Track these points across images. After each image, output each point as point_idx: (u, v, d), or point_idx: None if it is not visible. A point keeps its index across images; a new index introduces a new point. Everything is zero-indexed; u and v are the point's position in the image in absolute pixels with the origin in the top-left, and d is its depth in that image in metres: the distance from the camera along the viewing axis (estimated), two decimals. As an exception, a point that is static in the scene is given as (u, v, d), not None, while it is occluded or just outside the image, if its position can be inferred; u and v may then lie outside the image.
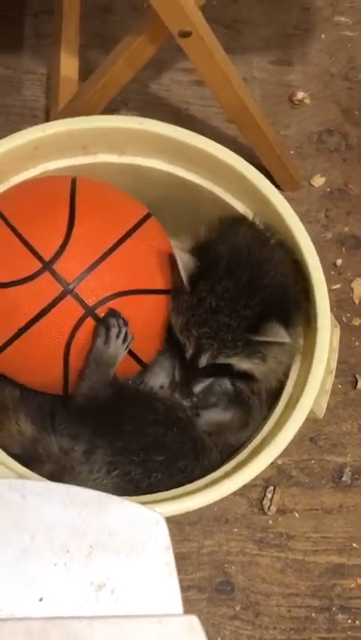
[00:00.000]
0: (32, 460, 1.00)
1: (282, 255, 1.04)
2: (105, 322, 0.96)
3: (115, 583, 0.66)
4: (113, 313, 0.96)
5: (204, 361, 1.00)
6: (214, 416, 1.08)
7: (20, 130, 1.07)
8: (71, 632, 0.62)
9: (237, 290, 0.97)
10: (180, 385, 1.05)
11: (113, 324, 0.96)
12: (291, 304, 1.01)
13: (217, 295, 0.97)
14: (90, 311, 0.96)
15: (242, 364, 1.00)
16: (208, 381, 1.05)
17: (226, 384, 1.07)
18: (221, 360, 0.99)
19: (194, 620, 0.66)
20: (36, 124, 1.10)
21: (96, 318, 0.96)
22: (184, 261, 0.97)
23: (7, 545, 0.65)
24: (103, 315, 0.96)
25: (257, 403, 1.07)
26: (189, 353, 1.00)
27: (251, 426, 1.07)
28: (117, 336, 0.96)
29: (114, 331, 0.96)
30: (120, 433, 1.01)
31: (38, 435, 1.04)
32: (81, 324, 0.96)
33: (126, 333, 0.97)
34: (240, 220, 1.09)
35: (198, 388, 1.04)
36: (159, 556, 0.68)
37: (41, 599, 0.65)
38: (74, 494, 0.68)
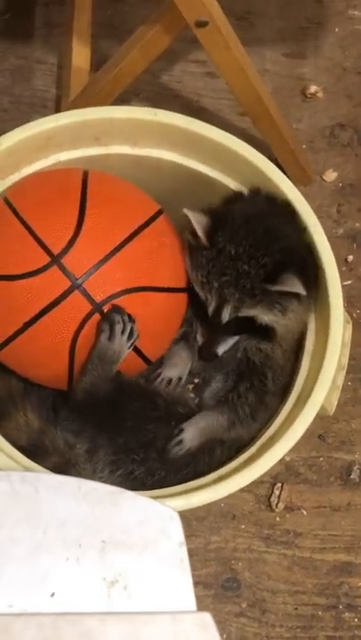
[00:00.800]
0: (38, 451, 0.99)
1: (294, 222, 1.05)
2: (109, 318, 0.95)
3: (127, 579, 0.65)
4: (117, 309, 0.95)
5: (226, 315, 0.99)
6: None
7: (29, 120, 1.06)
8: (83, 628, 0.61)
9: (256, 238, 0.98)
10: (201, 349, 1.04)
11: (117, 320, 0.95)
12: (306, 258, 1.01)
13: (236, 243, 0.98)
14: (97, 307, 0.95)
15: (264, 315, 0.99)
16: (232, 342, 1.04)
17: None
18: (244, 312, 0.99)
19: (207, 618, 0.65)
20: (46, 114, 1.09)
21: (103, 315, 0.96)
22: (197, 218, 0.98)
23: (20, 539, 0.64)
24: (107, 311, 0.95)
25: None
26: (212, 307, 1.00)
27: (245, 424, 1.06)
28: (122, 332, 0.96)
29: (118, 327, 0.95)
30: (120, 429, 1.01)
31: (45, 427, 1.03)
32: (88, 319, 0.95)
33: (132, 330, 0.97)
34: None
35: (222, 349, 1.03)
36: (173, 553, 0.67)
37: (53, 594, 0.64)
38: (87, 489, 0.67)
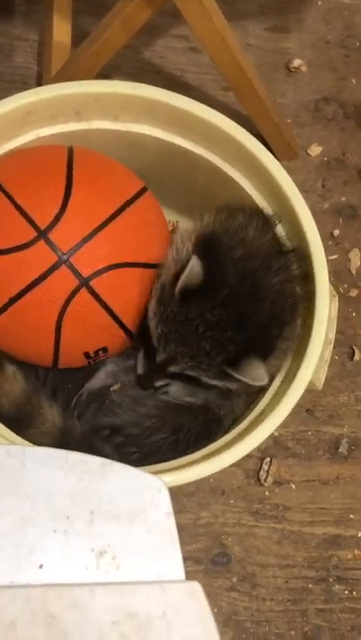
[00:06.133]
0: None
1: (287, 270, 0.99)
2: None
3: (116, 550, 0.65)
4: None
5: (172, 369, 0.97)
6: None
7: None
8: (72, 599, 0.61)
9: (228, 322, 0.92)
10: (141, 379, 1.03)
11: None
12: (274, 335, 0.96)
13: (206, 322, 0.92)
14: (84, 282, 0.94)
15: (212, 381, 0.97)
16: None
17: None
18: (190, 373, 0.96)
19: (196, 587, 0.65)
20: (27, 91, 1.07)
21: (90, 290, 0.95)
22: (193, 270, 0.91)
23: (6, 512, 0.64)
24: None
25: None
26: (160, 358, 0.96)
27: None
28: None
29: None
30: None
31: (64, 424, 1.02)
32: (75, 294, 0.95)
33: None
34: (252, 216, 1.02)
35: (161, 382, 1.01)
36: (161, 523, 0.67)
37: (41, 566, 0.63)
38: (74, 461, 0.67)
